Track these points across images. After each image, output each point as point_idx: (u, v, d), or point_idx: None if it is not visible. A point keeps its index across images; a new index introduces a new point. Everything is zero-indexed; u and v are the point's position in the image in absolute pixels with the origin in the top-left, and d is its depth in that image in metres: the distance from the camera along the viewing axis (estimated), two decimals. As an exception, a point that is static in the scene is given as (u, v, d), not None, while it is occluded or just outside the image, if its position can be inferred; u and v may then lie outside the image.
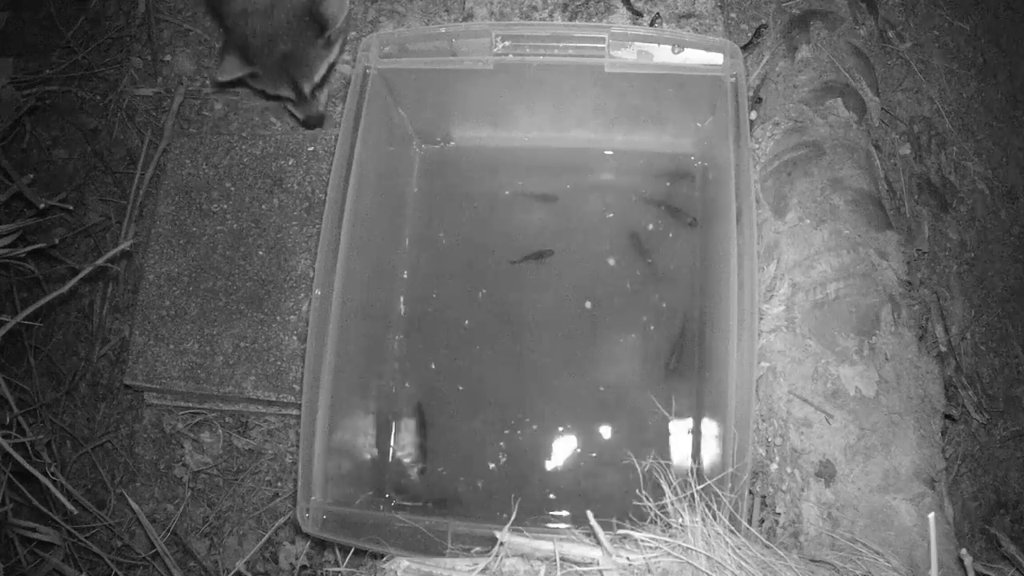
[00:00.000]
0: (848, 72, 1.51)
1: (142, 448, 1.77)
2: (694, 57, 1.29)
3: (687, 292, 1.52)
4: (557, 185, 1.61)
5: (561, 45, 1.31)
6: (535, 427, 1.48)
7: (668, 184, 1.58)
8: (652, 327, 1.51)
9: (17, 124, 1.93)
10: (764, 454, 1.27)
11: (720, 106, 1.32)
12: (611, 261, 1.56)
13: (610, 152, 1.61)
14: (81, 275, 1.35)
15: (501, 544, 0.90)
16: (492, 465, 1.47)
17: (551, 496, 1.44)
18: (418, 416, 1.52)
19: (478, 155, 1.65)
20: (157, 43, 2.01)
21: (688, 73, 1.31)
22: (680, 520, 0.88)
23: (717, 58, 1.28)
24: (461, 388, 1.52)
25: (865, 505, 1.16)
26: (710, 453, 1.30)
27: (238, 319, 1.64)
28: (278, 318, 1.64)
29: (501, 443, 1.48)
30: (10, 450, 1.30)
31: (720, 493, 0.95)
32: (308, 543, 1.64)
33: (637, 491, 0.93)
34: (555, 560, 0.88)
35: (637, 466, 1.02)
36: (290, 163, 1.74)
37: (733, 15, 1.73)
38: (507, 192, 1.62)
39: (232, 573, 1.62)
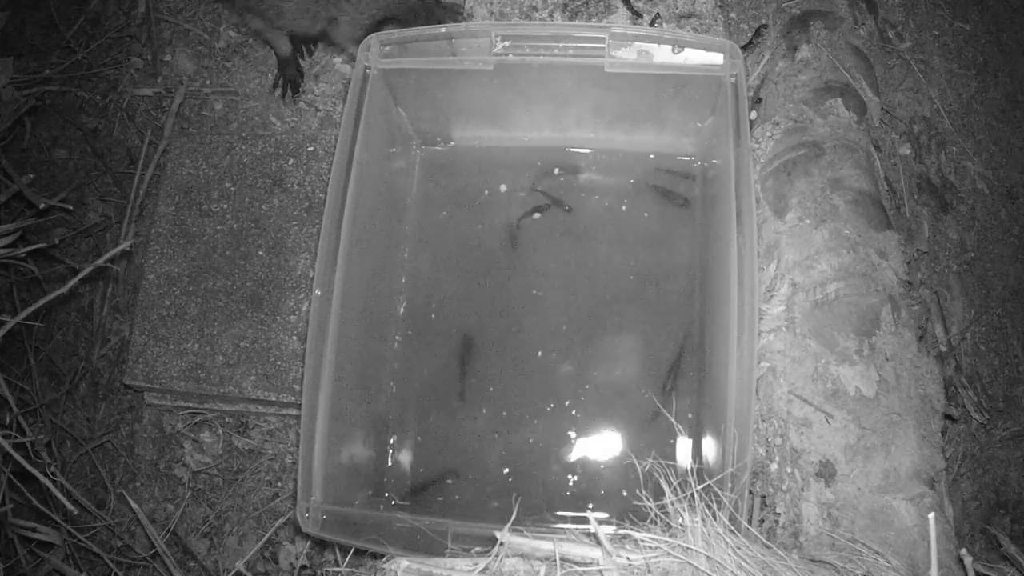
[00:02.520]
0: (848, 72, 1.51)
1: (142, 448, 1.77)
2: (694, 57, 1.29)
3: (687, 292, 1.52)
4: (558, 185, 1.61)
5: (561, 45, 1.31)
6: (535, 427, 1.48)
7: (665, 174, 1.59)
8: (653, 327, 1.51)
9: (17, 124, 1.92)
10: (764, 454, 1.27)
11: (720, 106, 1.32)
12: (612, 259, 1.56)
13: (610, 152, 1.61)
14: (81, 275, 1.35)
15: (501, 544, 0.90)
16: (492, 465, 1.47)
17: (551, 496, 1.44)
18: (463, 348, 1.52)
19: (478, 155, 1.65)
20: (157, 43, 2.01)
21: (688, 73, 1.31)
22: (680, 520, 0.88)
23: (717, 58, 1.28)
24: (462, 388, 1.52)
25: (865, 505, 1.16)
26: (710, 453, 1.30)
27: (238, 319, 1.64)
28: (278, 318, 1.64)
29: (501, 443, 1.48)
30: (10, 450, 1.30)
31: (720, 493, 0.95)
32: (308, 543, 1.63)
33: (637, 491, 0.93)
34: (555, 560, 0.88)
35: (637, 466, 1.02)
36: (290, 163, 1.74)
37: (733, 15, 1.73)
38: (511, 191, 1.62)
39: (232, 573, 1.62)
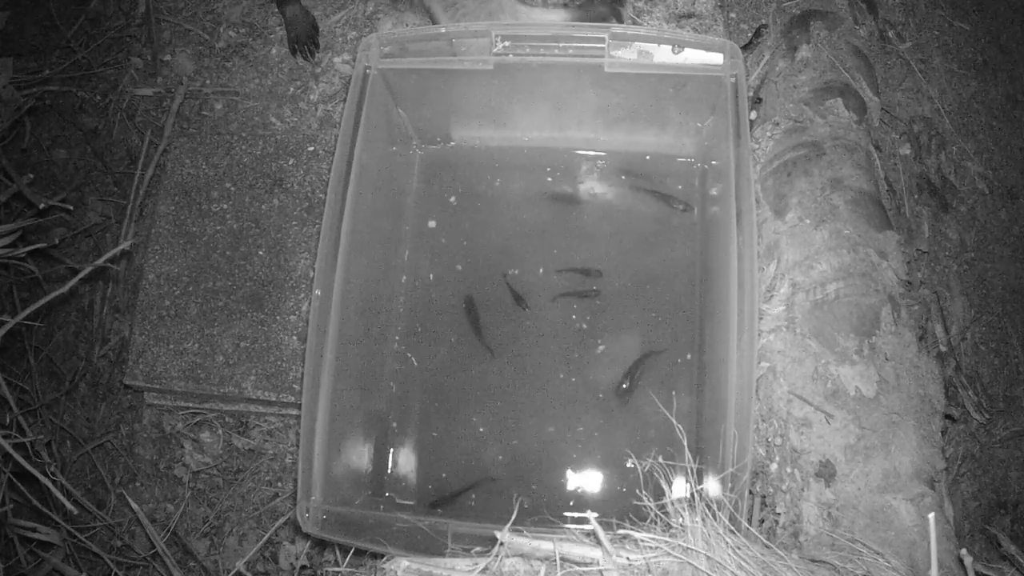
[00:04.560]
0: (848, 72, 1.51)
1: (142, 448, 1.77)
2: (694, 57, 1.29)
3: (687, 292, 1.52)
4: (559, 185, 1.61)
5: (561, 45, 1.31)
6: (535, 427, 1.48)
7: (665, 179, 1.58)
8: (653, 327, 1.51)
9: (17, 124, 1.92)
10: (764, 454, 1.27)
11: (720, 106, 1.32)
12: (612, 260, 1.56)
13: (610, 152, 1.61)
14: (81, 275, 1.35)
15: (501, 544, 0.90)
16: (492, 465, 1.47)
17: (551, 496, 1.44)
18: (470, 311, 1.53)
19: (478, 155, 1.65)
20: (157, 43, 2.01)
21: (688, 73, 1.31)
22: (680, 520, 0.88)
23: (717, 58, 1.28)
24: (461, 388, 1.52)
25: (865, 505, 1.15)
26: (710, 453, 1.30)
27: (238, 319, 1.64)
28: (278, 318, 1.64)
29: (501, 443, 1.48)
30: (10, 450, 1.30)
31: (720, 493, 0.95)
32: (308, 543, 1.63)
33: (637, 491, 0.93)
34: (555, 560, 0.88)
35: (637, 466, 1.02)
36: (290, 163, 1.74)
37: (733, 15, 1.73)
38: (511, 191, 1.62)
39: (232, 573, 1.62)
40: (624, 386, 1.46)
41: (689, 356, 1.48)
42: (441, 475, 1.48)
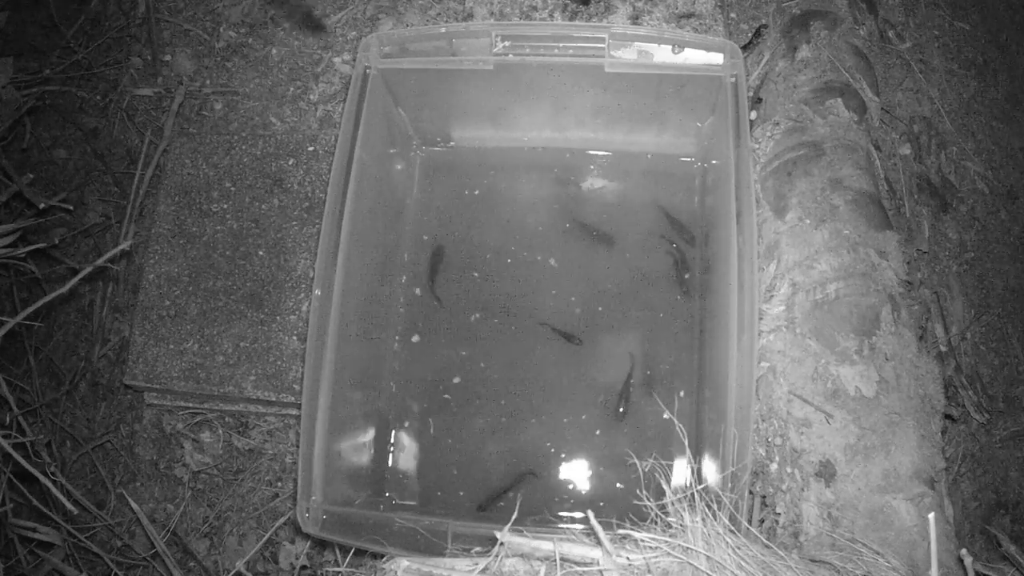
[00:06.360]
0: (848, 72, 1.51)
1: (142, 448, 1.77)
2: (694, 57, 1.29)
3: (687, 293, 1.52)
4: (559, 184, 1.61)
5: (561, 45, 1.31)
6: (535, 427, 1.48)
7: (670, 189, 1.58)
8: (652, 327, 1.51)
9: (17, 124, 1.92)
10: (764, 454, 1.27)
11: (720, 106, 1.32)
12: (611, 262, 1.56)
13: (610, 152, 1.61)
14: (81, 275, 1.35)
15: (501, 544, 0.90)
16: (492, 465, 1.47)
17: (551, 496, 1.44)
18: (435, 257, 1.56)
19: (478, 155, 1.65)
20: (157, 43, 2.01)
21: (688, 73, 1.31)
22: (680, 520, 0.88)
23: (717, 58, 1.28)
24: (461, 388, 1.52)
25: (865, 505, 1.15)
26: (710, 453, 1.30)
27: (238, 319, 1.64)
28: (278, 318, 1.64)
29: (502, 443, 1.48)
30: (10, 450, 1.30)
31: (720, 493, 0.95)
32: (308, 543, 1.64)
33: (637, 491, 0.93)
34: (555, 560, 0.88)
35: (638, 466, 1.02)
36: (290, 163, 1.74)
37: (733, 15, 1.73)
38: (511, 191, 1.62)
39: (232, 573, 1.62)
40: (621, 410, 1.46)
41: (689, 357, 1.48)
42: (441, 473, 1.47)
